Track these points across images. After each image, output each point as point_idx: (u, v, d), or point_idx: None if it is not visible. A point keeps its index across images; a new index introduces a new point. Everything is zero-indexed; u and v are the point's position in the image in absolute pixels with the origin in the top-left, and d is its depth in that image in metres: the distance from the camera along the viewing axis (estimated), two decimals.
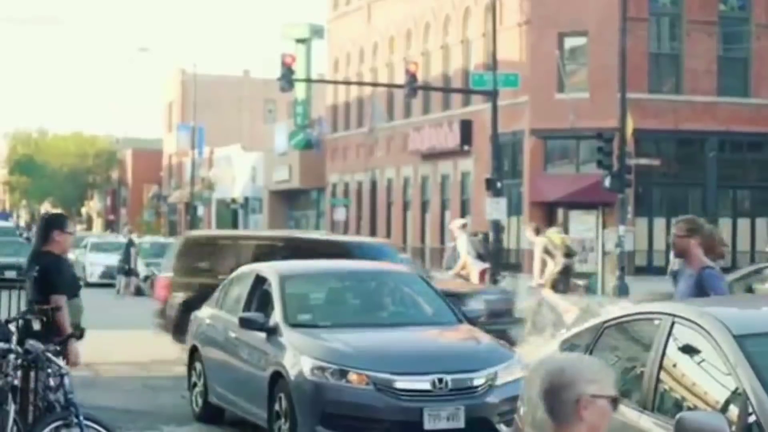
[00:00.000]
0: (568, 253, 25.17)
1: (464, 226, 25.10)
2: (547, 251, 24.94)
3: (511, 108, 39.83)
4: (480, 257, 24.94)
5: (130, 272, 40.34)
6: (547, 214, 40.42)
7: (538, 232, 24.94)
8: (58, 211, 13.08)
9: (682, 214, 40.27)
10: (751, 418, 5.67)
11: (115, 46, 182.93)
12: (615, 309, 10.89)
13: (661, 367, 6.49)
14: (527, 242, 29.97)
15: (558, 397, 3.91)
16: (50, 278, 9.84)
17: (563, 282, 23.46)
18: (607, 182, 34.96)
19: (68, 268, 10.12)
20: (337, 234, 38.33)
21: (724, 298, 8.24)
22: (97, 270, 45.21)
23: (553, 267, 23.92)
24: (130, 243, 41.35)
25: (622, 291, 32.90)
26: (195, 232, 32.02)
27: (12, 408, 9.25)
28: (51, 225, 10.05)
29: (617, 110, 35.54)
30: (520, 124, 40.69)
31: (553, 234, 25.06)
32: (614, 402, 3.94)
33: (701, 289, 9.19)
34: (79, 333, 10.28)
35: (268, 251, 17.39)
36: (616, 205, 36.28)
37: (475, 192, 43.37)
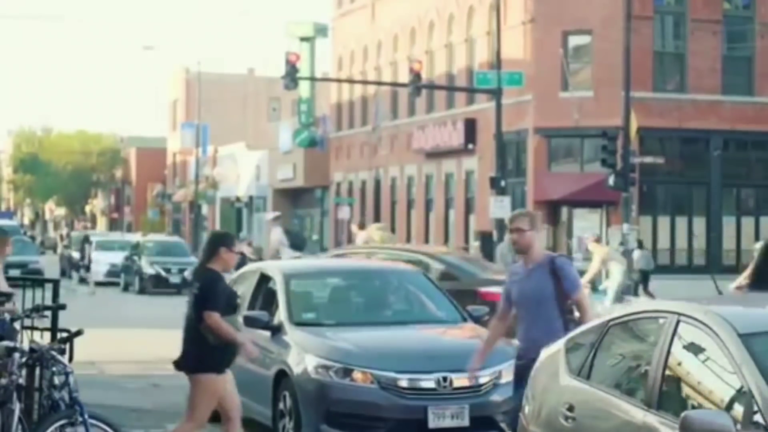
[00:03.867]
0: None
1: (276, 218, 27.04)
2: None
3: (515, 106, 39.82)
4: (294, 246, 26.15)
5: (84, 268, 43.17)
6: (552, 212, 40.42)
7: (362, 227, 26.20)
8: (225, 230, 12.88)
9: (687, 212, 40.45)
10: (756, 417, 5.67)
11: (119, 44, 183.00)
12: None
13: (666, 365, 6.49)
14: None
15: None
16: (206, 295, 9.74)
17: None
18: (611, 181, 34.95)
19: (226, 286, 9.97)
20: None
21: (729, 297, 8.23)
22: (102, 268, 45.31)
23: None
24: (86, 239, 45.62)
25: (626, 289, 32.88)
26: None
27: (17, 407, 9.27)
28: (218, 242, 9.95)
29: (621, 109, 35.52)
30: (524, 122, 40.67)
31: (374, 230, 26.25)
32: None
33: (557, 279, 9.23)
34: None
35: None
36: (620, 204, 36.27)
37: (480, 191, 43.35)
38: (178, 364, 10.06)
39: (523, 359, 9.35)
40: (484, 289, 15.96)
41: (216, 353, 9.73)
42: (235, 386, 10.11)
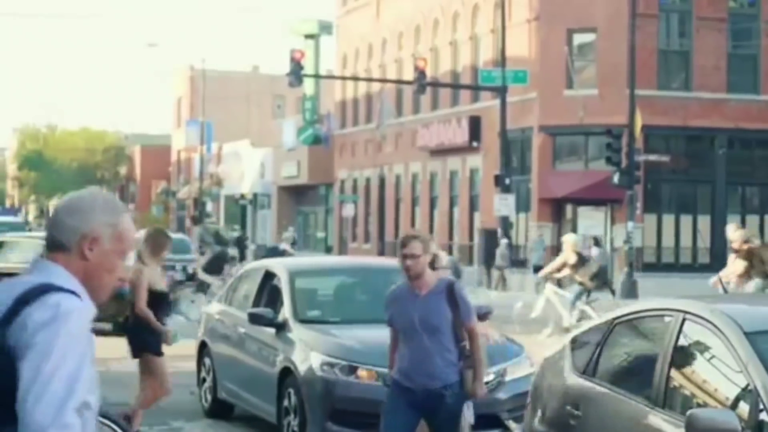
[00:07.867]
0: (219, 241, 30.46)
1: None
2: (202, 240, 30.04)
3: (519, 104, 39.82)
4: None
5: None
6: (556, 210, 40.42)
7: (194, 221, 29.57)
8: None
9: (691, 210, 40.35)
10: (762, 415, 5.67)
11: (123, 41, 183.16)
12: None
13: (671, 363, 6.48)
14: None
15: None
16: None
17: (215, 265, 29.90)
18: (615, 179, 34.93)
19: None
20: None
21: (735, 296, 8.22)
22: None
23: (209, 253, 29.80)
24: None
25: (631, 287, 32.86)
26: None
27: None
28: None
29: (626, 107, 35.50)
30: (528, 120, 40.67)
31: (208, 224, 28.99)
32: None
33: (454, 305, 8.64)
34: None
35: None
36: (624, 202, 36.26)
37: (484, 188, 43.36)
38: None
39: (415, 391, 8.67)
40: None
41: None
42: None
